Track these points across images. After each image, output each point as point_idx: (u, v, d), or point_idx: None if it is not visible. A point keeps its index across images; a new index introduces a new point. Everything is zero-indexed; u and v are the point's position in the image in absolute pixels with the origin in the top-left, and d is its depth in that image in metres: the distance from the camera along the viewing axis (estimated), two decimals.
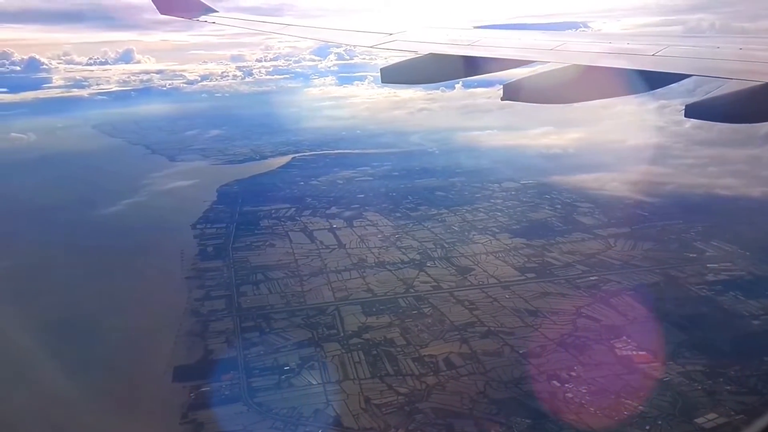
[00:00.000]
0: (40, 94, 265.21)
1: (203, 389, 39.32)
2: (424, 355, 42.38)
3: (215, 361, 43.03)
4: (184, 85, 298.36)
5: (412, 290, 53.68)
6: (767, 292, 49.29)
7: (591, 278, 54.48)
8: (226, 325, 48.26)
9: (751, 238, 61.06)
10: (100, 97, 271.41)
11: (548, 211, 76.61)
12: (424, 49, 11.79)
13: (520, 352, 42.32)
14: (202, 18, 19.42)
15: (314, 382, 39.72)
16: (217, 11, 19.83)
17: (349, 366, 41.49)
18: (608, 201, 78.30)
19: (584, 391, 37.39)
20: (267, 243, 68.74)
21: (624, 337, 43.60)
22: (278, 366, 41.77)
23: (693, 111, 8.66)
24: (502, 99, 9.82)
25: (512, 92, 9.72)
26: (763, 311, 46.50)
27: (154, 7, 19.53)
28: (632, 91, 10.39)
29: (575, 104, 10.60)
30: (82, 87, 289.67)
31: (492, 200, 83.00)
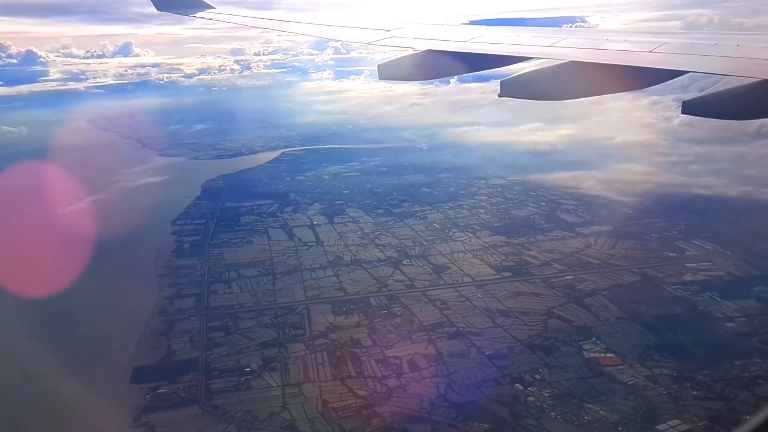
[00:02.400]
0: (37, 87, 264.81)
1: (160, 391, 38.60)
2: (389, 357, 41.56)
3: (176, 361, 42.34)
4: (182, 78, 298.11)
5: (385, 289, 52.84)
6: (743, 293, 48.37)
7: (567, 277, 53.56)
8: (192, 325, 47.49)
9: (734, 237, 60.26)
10: (96, 90, 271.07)
11: (532, 209, 75.67)
12: (422, 46, 11.87)
13: (487, 353, 41.52)
14: (199, 14, 19.50)
15: (274, 385, 38.95)
16: (213, 8, 19.91)
17: (312, 367, 40.69)
18: (593, 198, 77.48)
19: (547, 395, 36.60)
20: (245, 240, 68.01)
21: (593, 339, 42.78)
22: (239, 367, 41.02)
23: (690, 108, 8.74)
24: (499, 95, 9.82)
25: (509, 88, 9.77)
26: (739, 313, 45.62)
27: (143, 1, 19.42)
28: (629, 87, 10.73)
29: (568, 100, 10.48)
30: (79, 80, 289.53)
31: (477, 197, 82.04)
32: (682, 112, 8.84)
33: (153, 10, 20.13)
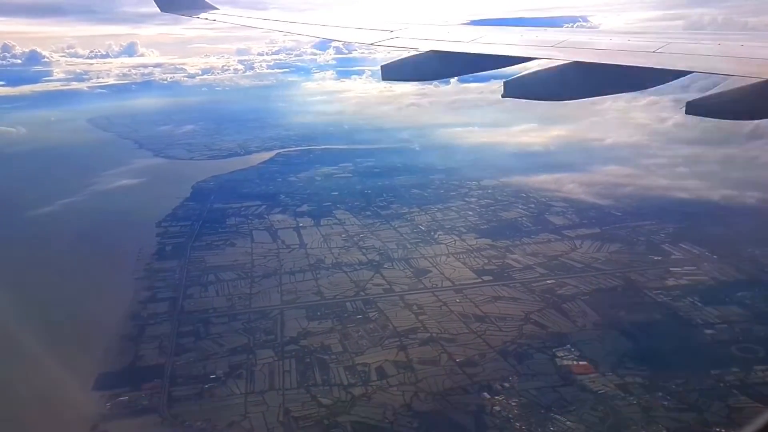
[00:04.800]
0: (40, 87, 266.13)
1: (121, 398, 37.92)
2: (358, 364, 40.73)
3: (142, 368, 41.67)
4: (185, 78, 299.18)
5: (363, 293, 52.02)
6: (726, 299, 47.20)
7: (548, 282, 52.55)
8: (163, 330, 46.83)
9: (722, 240, 58.87)
10: (99, 90, 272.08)
11: (520, 211, 74.58)
12: (425, 47, 11.89)
13: (457, 360, 40.60)
14: (203, 15, 19.50)
15: (237, 392, 38.21)
16: (217, 8, 19.90)
17: (278, 375, 39.94)
18: (583, 201, 76.25)
19: (514, 404, 35.66)
20: (228, 242, 67.37)
21: (568, 346, 41.79)
22: (205, 374, 40.28)
23: (694, 108, 8.68)
24: (502, 96, 9.81)
25: (513, 89, 9.79)
26: (719, 320, 44.46)
27: (138, 1, 19.21)
28: (634, 87, 11.19)
29: (567, 101, 10.59)
30: (82, 80, 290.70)
31: (466, 199, 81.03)
32: (686, 113, 8.75)
33: (150, 9, 20.31)
